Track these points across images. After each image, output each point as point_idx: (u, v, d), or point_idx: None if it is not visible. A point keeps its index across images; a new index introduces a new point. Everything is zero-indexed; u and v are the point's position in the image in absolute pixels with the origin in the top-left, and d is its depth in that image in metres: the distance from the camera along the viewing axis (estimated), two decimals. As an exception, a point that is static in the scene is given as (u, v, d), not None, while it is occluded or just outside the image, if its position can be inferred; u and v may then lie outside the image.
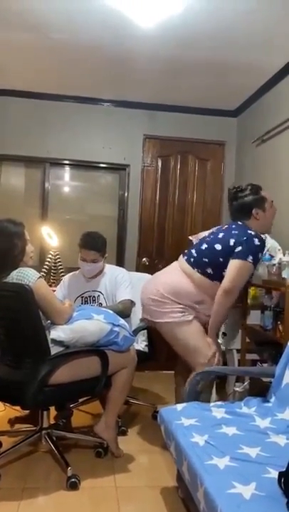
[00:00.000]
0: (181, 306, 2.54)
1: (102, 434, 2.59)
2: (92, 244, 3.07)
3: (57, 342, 2.34)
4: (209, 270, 2.53)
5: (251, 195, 2.66)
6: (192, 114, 4.60)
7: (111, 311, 2.62)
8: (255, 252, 2.47)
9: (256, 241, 2.48)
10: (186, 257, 2.65)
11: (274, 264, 3.06)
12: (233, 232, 2.55)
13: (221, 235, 2.59)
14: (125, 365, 2.57)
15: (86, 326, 2.41)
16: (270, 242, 3.42)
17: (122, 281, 3.11)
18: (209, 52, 3.39)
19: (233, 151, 4.74)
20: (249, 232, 2.52)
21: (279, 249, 3.37)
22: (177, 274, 2.62)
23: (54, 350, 2.32)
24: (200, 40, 3.21)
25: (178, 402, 2.62)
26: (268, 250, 3.36)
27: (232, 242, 2.50)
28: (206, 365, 2.48)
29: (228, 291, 2.45)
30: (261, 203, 2.65)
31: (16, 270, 2.32)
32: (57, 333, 2.34)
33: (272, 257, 3.28)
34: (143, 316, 2.75)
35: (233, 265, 2.46)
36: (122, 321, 2.57)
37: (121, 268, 3.38)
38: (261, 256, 2.55)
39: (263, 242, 2.53)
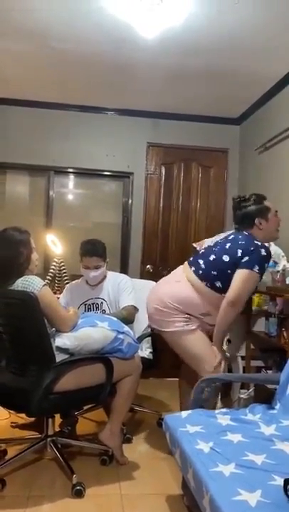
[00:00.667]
0: (186, 316, 2.55)
1: (107, 441, 2.59)
2: (93, 250, 3.09)
3: (62, 349, 2.34)
4: (218, 284, 2.52)
5: (254, 205, 2.67)
6: (195, 121, 4.63)
7: (115, 318, 2.63)
8: (261, 262, 2.48)
9: (263, 251, 2.50)
10: (193, 269, 2.61)
11: (278, 271, 3.07)
12: (240, 242, 2.56)
13: (228, 246, 2.59)
14: (130, 372, 2.57)
15: (91, 333, 2.42)
16: (274, 249, 3.42)
17: (124, 288, 3.13)
18: (211, 60, 3.43)
19: (236, 158, 4.76)
20: (256, 242, 2.53)
21: (283, 256, 3.37)
22: (184, 286, 2.59)
23: (59, 357, 2.33)
24: (202, 48, 3.25)
25: (183, 409, 2.62)
26: (271, 257, 3.37)
27: (239, 252, 2.50)
28: (212, 373, 2.48)
29: (234, 302, 2.44)
30: (264, 212, 2.66)
31: (21, 278, 2.34)
32: (62, 340, 2.34)
33: (276, 263, 3.28)
34: (149, 323, 2.77)
35: (239, 275, 2.46)
36: (126, 328, 2.58)
37: (123, 274, 3.40)
38: (267, 266, 2.57)
39: (269, 253, 2.55)
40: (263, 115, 4.18)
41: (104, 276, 3.20)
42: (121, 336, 2.49)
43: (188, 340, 2.55)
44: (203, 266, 2.58)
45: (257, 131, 4.29)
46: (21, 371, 2.35)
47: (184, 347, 2.57)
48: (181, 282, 2.62)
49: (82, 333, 2.40)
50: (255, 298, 3.28)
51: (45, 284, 2.35)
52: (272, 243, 3.39)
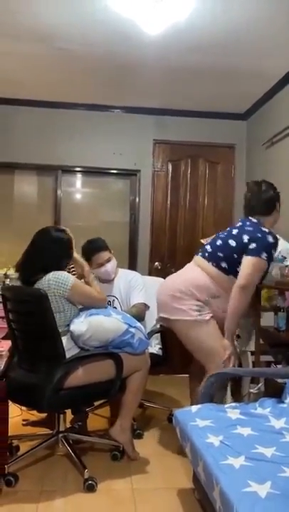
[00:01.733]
0: (199, 302, 2.56)
1: (118, 437, 2.61)
2: (99, 246, 3.12)
3: (73, 339, 2.39)
4: (224, 264, 2.56)
5: (272, 190, 2.71)
6: (201, 118, 4.62)
7: (128, 315, 2.65)
8: (268, 249, 2.50)
9: (270, 238, 2.51)
10: (200, 254, 2.69)
11: (287, 266, 3.06)
12: (246, 228, 2.59)
13: (234, 232, 2.62)
14: (139, 367, 2.59)
15: (103, 321, 2.45)
16: (283, 244, 3.42)
17: (135, 285, 3.14)
18: (216, 56, 3.42)
19: (243, 153, 4.75)
20: (263, 229, 2.56)
21: (291, 251, 3.36)
22: (193, 270, 2.66)
23: (69, 353, 2.36)
24: (207, 45, 3.24)
25: (193, 404, 2.63)
26: (280, 252, 3.36)
27: (246, 239, 2.53)
28: (220, 367, 2.49)
29: (244, 287, 2.47)
30: (277, 201, 2.70)
31: (52, 273, 2.40)
32: (76, 326, 2.39)
33: (284, 258, 3.27)
34: (159, 314, 2.74)
35: (247, 262, 2.48)
36: (138, 324, 2.60)
37: (134, 272, 3.41)
38: (274, 253, 2.56)
39: (276, 239, 2.56)
40: (270, 110, 4.16)
41: (116, 274, 3.21)
42: (132, 330, 2.51)
43: (199, 331, 2.55)
44: (209, 249, 2.65)
45: (263, 126, 4.28)
46: (32, 367, 2.39)
47: (195, 338, 2.57)
48: (190, 269, 2.69)
49: (95, 320, 2.43)
50: (264, 293, 3.27)
51: (75, 278, 2.47)
52: (280, 238, 3.39)
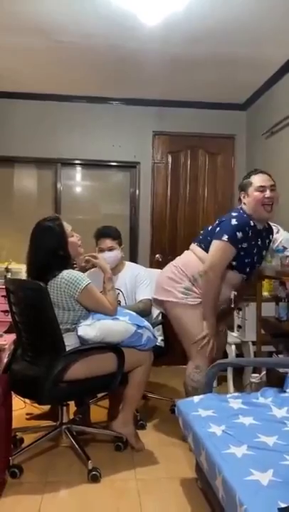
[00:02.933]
0: (188, 284, 2.64)
1: (120, 430, 2.63)
2: (107, 232, 3.14)
3: (83, 339, 2.39)
4: (203, 245, 2.68)
5: (243, 179, 2.73)
6: (201, 108, 4.60)
7: (135, 314, 2.64)
8: (230, 230, 2.53)
9: (233, 221, 2.55)
10: (193, 240, 2.83)
11: (287, 256, 3.06)
12: (222, 216, 2.68)
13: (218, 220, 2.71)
14: (141, 362, 2.59)
15: (111, 325, 2.45)
16: (283, 234, 3.42)
17: (142, 280, 3.14)
18: (215, 47, 3.40)
19: (243, 144, 4.73)
20: (233, 213, 2.61)
21: (292, 241, 3.36)
22: (187, 253, 2.81)
23: (74, 339, 2.40)
24: (206, 34, 3.22)
25: (187, 394, 2.66)
26: (280, 242, 3.36)
27: (216, 224, 2.64)
28: (201, 354, 2.54)
29: (206, 271, 2.56)
30: (246, 186, 2.68)
31: (67, 271, 2.39)
32: (84, 330, 2.38)
33: (285, 248, 3.28)
34: (156, 298, 2.84)
35: (211, 246, 2.58)
36: (146, 323, 2.60)
37: (141, 266, 3.41)
38: (242, 236, 2.53)
39: (241, 221, 2.56)
40: (269, 100, 4.14)
41: (122, 267, 3.21)
42: (140, 331, 2.51)
43: (184, 314, 2.64)
44: (201, 235, 2.77)
45: (263, 116, 4.26)
46: (34, 360, 2.40)
47: (180, 320, 2.66)
48: (185, 253, 2.83)
49: (104, 325, 2.42)
50: (265, 283, 3.28)
51: (89, 282, 2.41)
52: (280, 228, 3.39)
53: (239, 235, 2.53)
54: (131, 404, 2.64)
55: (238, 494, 1.40)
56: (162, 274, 2.81)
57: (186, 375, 2.65)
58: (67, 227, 2.54)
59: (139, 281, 3.15)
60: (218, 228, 2.58)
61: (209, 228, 2.71)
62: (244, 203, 2.67)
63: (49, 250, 2.44)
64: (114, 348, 2.45)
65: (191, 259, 2.71)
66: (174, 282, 2.68)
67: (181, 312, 2.65)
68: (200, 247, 2.69)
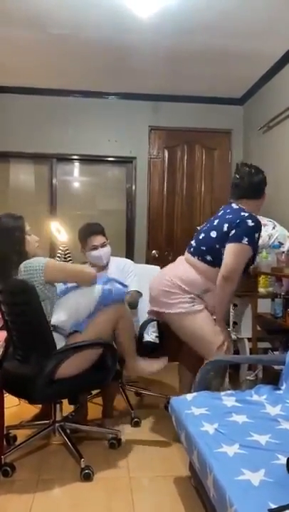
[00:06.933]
0: (191, 296, 2.53)
1: (134, 370, 2.65)
2: (98, 229, 3.12)
3: (59, 329, 2.36)
4: (209, 257, 2.52)
5: (261, 174, 2.63)
6: (197, 103, 4.56)
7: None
8: (249, 233, 2.44)
9: (250, 222, 2.45)
10: (187, 249, 2.67)
11: (283, 252, 3.04)
12: (227, 217, 2.54)
13: (216, 222, 2.58)
14: (120, 315, 2.52)
15: (76, 298, 2.41)
16: (279, 230, 3.40)
17: (128, 271, 3.14)
18: (210, 40, 3.35)
19: (240, 139, 4.69)
20: (243, 214, 2.49)
21: (288, 237, 3.34)
22: (183, 265, 2.63)
23: (60, 344, 2.35)
24: (200, 28, 3.18)
25: (182, 391, 2.63)
26: (276, 238, 3.34)
27: (226, 227, 2.48)
28: (215, 354, 2.48)
29: (227, 277, 2.43)
30: (266, 182, 2.64)
31: (23, 264, 2.34)
32: (55, 317, 2.35)
33: (281, 244, 3.25)
34: (150, 307, 2.73)
35: (229, 249, 2.44)
36: (109, 276, 2.59)
37: (126, 259, 3.41)
38: (257, 236, 2.48)
39: (257, 222, 2.49)
40: (266, 94, 4.10)
41: (108, 261, 3.19)
42: (107, 286, 2.48)
43: (195, 321, 2.52)
44: (194, 244, 2.62)
45: (260, 110, 4.22)
46: (25, 358, 2.37)
47: (190, 328, 2.54)
48: (182, 264, 2.65)
49: (68, 303, 2.39)
50: (261, 279, 3.26)
51: (48, 259, 2.37)
52: (276, 223, 3.36)
53: (257, 236, 2.48)
54: (129, 349, 2.60)
55: (228, 494, 1.38)
56: (157, 286, 2.63)
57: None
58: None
59: (126, 272, 3.15)
60: (233, 231, 2.44)
61: (201, 237, 2.59)
62: (260, 200, 2.61)
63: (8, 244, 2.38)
64: (104, 344, 2.42)
65: (193, 277, 2.54)
66: (175, 295, 2.54)
67: (190, 321, 2.53)
68: (202, 260, 2.54)
